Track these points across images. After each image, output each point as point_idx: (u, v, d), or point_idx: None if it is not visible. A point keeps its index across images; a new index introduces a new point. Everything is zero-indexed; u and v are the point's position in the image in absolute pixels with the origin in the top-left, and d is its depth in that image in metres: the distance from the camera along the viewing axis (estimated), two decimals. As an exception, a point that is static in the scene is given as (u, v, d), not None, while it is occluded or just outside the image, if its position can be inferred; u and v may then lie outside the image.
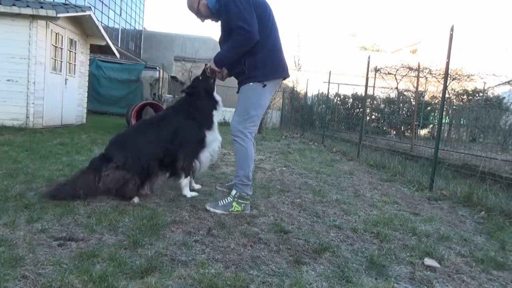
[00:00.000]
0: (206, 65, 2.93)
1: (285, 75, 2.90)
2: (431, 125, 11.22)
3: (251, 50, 2.63)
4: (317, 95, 14.33)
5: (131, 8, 22.55)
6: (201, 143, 2.95)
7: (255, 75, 2.70)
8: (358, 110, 13.25)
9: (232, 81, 3.09)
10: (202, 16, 2.87)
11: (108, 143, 2.90)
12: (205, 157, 3.02)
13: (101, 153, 2.86)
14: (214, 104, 3.06)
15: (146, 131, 2.91)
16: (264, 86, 2.73)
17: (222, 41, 2.81)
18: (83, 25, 9.06)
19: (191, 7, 2.85)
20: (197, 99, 3.00)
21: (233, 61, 2.73)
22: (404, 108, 11.32)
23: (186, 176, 2.94)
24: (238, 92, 2.90)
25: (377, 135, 10.02)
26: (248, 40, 2.56)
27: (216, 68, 2.80)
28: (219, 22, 2.86)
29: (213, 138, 3.03)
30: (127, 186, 2.67)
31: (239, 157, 2.77)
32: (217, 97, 3.09)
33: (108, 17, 19.01)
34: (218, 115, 3.10)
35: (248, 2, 2.57)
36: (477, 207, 3.37)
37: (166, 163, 2.87)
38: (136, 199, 2.74)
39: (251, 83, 2.72)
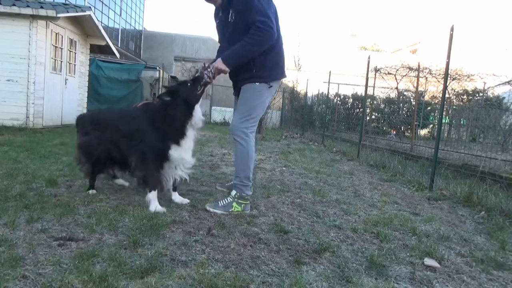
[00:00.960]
0: (205, 65, 2.61)
1: (285, 75, 2.92)
2: (431, 125, 11.22)
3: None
4: (317, 95, 14.33)
5: (131, 8, 22.54)
6: (161, 155, 2.55)
7: (262, 75, 2.66)
8: (358, 110, 13.25)
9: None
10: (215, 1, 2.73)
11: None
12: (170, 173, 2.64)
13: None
14: (188, 119, 2.58)
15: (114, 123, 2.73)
16: (270, 87, 2.72)
17: (226, 39, 2.71)
18: (83, 25, 9.07)
19: None
20: (173, 107, 2.54)
21: (247, 59, 2.56)
22: (404, 108, 11.32)
23: (150, 189, 2.58)
24: (235, 91, 2.88)
25: (377, 135, 10.02)
26: (269, 36, 2.45)
27: (226, 68, 2.55)
28: (219, 23, 2.85)
29: (179, 155, 2.59)
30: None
31: (240, 157, 2.75)
32: (197, 113, 2.62)
33: (108, 17, 19.01)
34: (193, 135, 2.65)
35: (268, 1, 2.53)
36: (477, 207, 3.37)
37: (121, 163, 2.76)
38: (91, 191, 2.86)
39: (257, 83, 2.68)
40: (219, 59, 2.57)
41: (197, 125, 2.65)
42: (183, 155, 2.60)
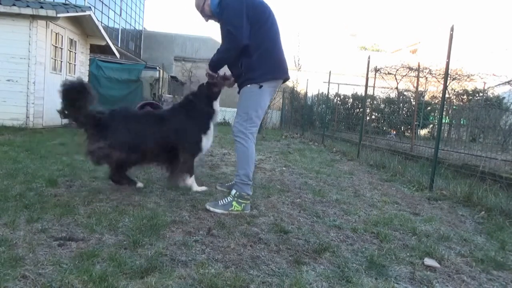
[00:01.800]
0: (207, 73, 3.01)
1: (284, 76, 2.90)
2: (431, 125, 11.22)
3: (247, 52, 2.67)
4: (317, 95, 14.32)
5: (131, 8, 22.53)
6: (199, 147, 3.06)
7: (251, 77, 2.74)
8: (358, 110, 13.25)
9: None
10: (206, 15, 2.95)
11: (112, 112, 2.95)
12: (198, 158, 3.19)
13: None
14: (211, 112, 3.12)
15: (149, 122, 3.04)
16: (261, 87, 2.74)
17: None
18: (83, 25, 9.07)
19: (197, 5, 2.94)
20: (198, 105, 3.09)
21: (225, 64, 2.83)
22: (404, 108, 11.32)
23: (191, 175, 3.10)
24: (238, 93, 2.92)
25: (377, 135, 10.01)
26: (233, 44, 2.63)
27: (211, 72, 2.90)
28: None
29: (206, 144, 3.11)
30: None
31: (240, 156, 2.79)
32: (216, 107, 3.15)
33: (108, 17, 19.00)
34: (214, 125, 3.17)
35: (240, 9, 2.62)
36: (477, 207, 3.37)
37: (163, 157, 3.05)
38: (139, 184, 3.11)
39: (248, 85, 2.76)
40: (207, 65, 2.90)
41: (216, 116, 3.18)
42: (209, 144, 3.14)
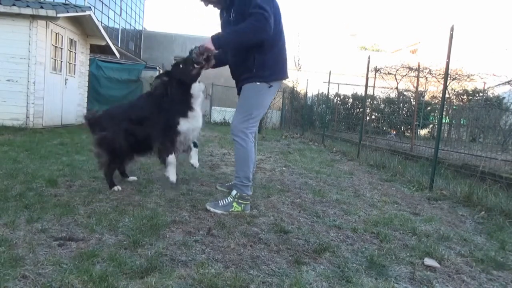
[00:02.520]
0: (195, 48, 2.68)
1: (286, 76, 2.89)
2: (431, 125, 11.22)
3: (262, 48, 2.56)
4: (317, 95, 14.32)
5: (131, 8, 22.53)
6: (173, 130, 2.85)
7: (262, 74, 2.65)
8: (358, 110, 13.25)
9: (232, 82, 2.97)
10: (215, 1, 2.76)
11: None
12: (179, 142, 2.95)
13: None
14: (187, 95, 2.84)
15: (127, 111, 3.05)
16: (270, 87, 2.70)
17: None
18: (83, 25, 9.07)
19: None
20: (171, 88, 2.83)
21: (237, 46, 2.60)
22: (404, 108, 11.32)
23: (167, 155, 2.88)
24: (239, 91, 2.88)
25: (377, 135, 10.01)
26: (265, 29, 2.40)
27: (212, 47, 2.53)
28: (222, 22, 2.85)
29: (190, 126, 2.90)
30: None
31: (239, 157, 2.75)
32: (196, 88, 2.85)
33: (108, 17, 19.00)
34: (199, 104, 2.93)
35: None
36: (477, 207, 3.37)
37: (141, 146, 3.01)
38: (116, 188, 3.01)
39: (257, 83, 2.67)
40: (209, 38, 2.56)
41: (198, 97, 2.89)
42: (193, 125, 2.91)
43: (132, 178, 3.41)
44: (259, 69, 2.63)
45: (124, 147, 2.98)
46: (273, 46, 2.63)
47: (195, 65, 2.74)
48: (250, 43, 2.53)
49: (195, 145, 3.12)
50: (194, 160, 3.11)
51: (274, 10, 2.56)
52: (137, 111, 3.00)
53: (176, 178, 2.95)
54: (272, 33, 2.52)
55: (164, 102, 2.85)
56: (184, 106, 2.84)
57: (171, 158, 2.88)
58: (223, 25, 2.83)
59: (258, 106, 2.73)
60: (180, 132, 2.86)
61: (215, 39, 2.53)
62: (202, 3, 2.80)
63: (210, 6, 2.82)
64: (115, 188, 3.00)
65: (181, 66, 2.80)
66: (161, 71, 14.97)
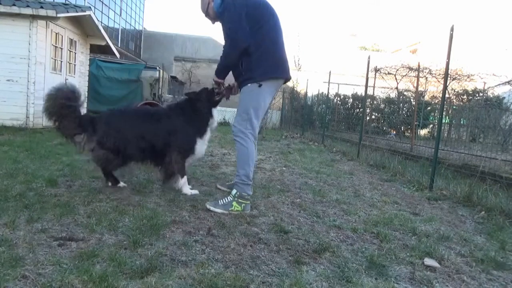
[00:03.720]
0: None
1: (284, 75, 2.89)
2: (431, 125, 11.22)
3: (246, 52, 2.68)
4: (317, 95, 14.32)
5: (131, 8, 22.53)
6: (191, 148, 3.04)
7: (251, 76, 2.74)
8: (358, 110, 13.24)
9: (232, 81, 3.07)
10: (211, 18, 2.97)
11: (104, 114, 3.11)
12: (190, 161, 3.16)
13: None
14: (208, 117, 3.12)
15: (142, 122, 3.08)
16: (260, 86, 2.74)
17: None
18: (83, 25, 9.07)
19: (202, 8, 2.97)
20: (198, 107, 3.09)
21: (229, 68, 2.83)
22: (404, 108, 11.32)
23: (182, 176, 3.05)
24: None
25: (377, 135, 10.01)
26: (233, 44, 2.66)
27: (219, 80, 2.91)
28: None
29: (203, 149, 3.14)
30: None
31: (240, 156, 2.79)
32: (214, 113, 3.15)
33: (108, 17, 19.00)
34: (210, 131, 3.17)
35: (239, 12, 2.64)
36: (477, 207, 3.37)
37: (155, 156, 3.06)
38: (121, 184, 3.10)
39: (248, 84, 2.77)
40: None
41: (213, 124, 3.16)
42: (204, 148, 3.14)
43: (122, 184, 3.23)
44: (247, 71, 2.76)
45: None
46: (258, 48, 2.71)
47: (217, 95, 3.09)
48: (234, 61, 2.74)
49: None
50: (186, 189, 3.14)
51: (255, 12, 2.69)
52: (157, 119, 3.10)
53: (195, 191, 3.11)
54: (253, 36, 2.66)
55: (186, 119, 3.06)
56: (203, 128, 3.09)
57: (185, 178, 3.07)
58: None
59: (254, 106, 2.78)
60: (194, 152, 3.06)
61: (215, 71, 2.90)
62: (210, 21, 3.03)
63: (216, 23, 3.00)
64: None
65: (208, 90, 3.12)
66: (161, 71, 14.97)
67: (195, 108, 3.08)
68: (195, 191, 3.10)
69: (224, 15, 2.71)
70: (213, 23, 3.02)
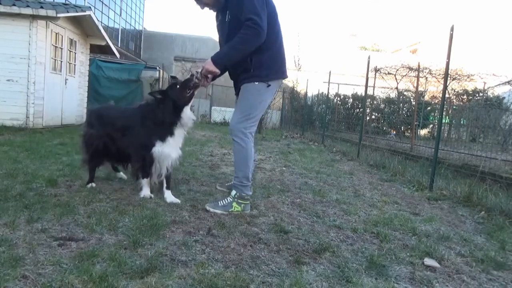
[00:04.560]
0: (196, 73, 2.64)
1: (285, 75, 2.89)
2: (431, 125, 11.21)
3: (259, 48, 2.54)
4: (317, 95, 14.32)
5: (131, 8, 22.52)
6: (146, 150, 2.78)
7: (260, 74, 2.65)
8: (358, 110, 13.24)
9: (231, 81, 2.97)
10: (202, 3, 2.73)
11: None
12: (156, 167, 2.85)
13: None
14: (176, 119, 2.74)
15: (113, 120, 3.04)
16: (268, 86, 2.70)
17: (225, 39, 2.69)
18: (83, 25, 9.07)
19: None
20: (161, 108, 2.73)
21: (239, 58, 2.57)
22: (404, 108, 11.32)
23: (142, 177, 2.88)
24: (236, 91, 2.88)
25: (377, 135, 10.01)
26: (258, 35, 2.44)
27: (215, 69, 2.55)
28: (218, 24, 2.84)
29: (165, 152, 2.78)
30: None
31: (239, 157, 2.75)
32: (187, 113, 2.77)
33: (108, 17, 18.99)
34: (182, 133, 2.86)
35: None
36: (477, 207, 3.37)
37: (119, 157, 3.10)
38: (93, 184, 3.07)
39: (256, 83, 2.67)
40: (209, 60, 2.56)
41: (186, 125, 2.82)
42: (167, 151, 2.79)
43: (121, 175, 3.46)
44: (257, 69, 2.64)
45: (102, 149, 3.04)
46: (270, 47, 2.63)
47: (189, 89, 2.69)
48: (248, 52, 2.54)
49: (167, 184, 2.88)
50: (166, 194, 2.86)
51: (269, 9, 2.57)
52: (123, 119, 3.01)
53: (147, 194, 2.87)
54: (269, 34, 2.53)
55: (148, 119, 2.79)
56: (165, 130, 2.77)
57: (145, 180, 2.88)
58: (219, 27, 2.82)
59: (257, 106, 2.72)
60: (153, 156, 2.78)
61: (217, 60, 2.54)
62: (198, 6, 2.78)
63: (206, 8, 2.80)
64: (91, 184, 3.08)
65: (178, 87, 2.72)
66: (161, 71, 14.95)
67: (157, 111, 2.74)
68: (148, 194, 2.85)
69: (242, 1, 2.45)
70: (202, 8, 2.77)
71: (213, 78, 2.75)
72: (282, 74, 2.83)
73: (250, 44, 2.49)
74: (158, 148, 2.77)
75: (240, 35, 2.46)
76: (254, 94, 2.69)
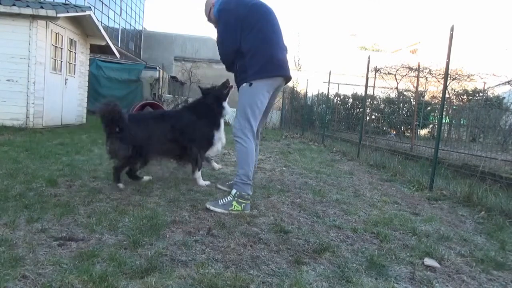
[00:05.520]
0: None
1: (281, 73, 2.88)
2: (431, 125, 11.21)
3: (240, 55, 2.83)
4: (317, 95, 14.32)
5: (131, 8, 22.53)
6: (209, 140, 3.47)
7: (244, 76, 2.85)
8: (358, 110, 13.24)
9: (232, 81, 3.29)
10: (213, 22, 3.07)
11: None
12: (213, 151, 3.60)
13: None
14: (221, 110, 3.53)
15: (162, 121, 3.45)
16: (251, 85, 2.79)
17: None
18: (83, 25, 9.06)
19: (205, 13, 3.12)
20: (209, 103, 3.50)
21: (228, 67, 3.05)
22: (404, 108, 11.32)
23: (199, 169, 3.47)
24: None
25: (377, 135, 10.01)
26: (221, 52, 2.94)
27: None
28: None
29: (218, 137, 3.51)
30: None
31: (240, 156, 2.81)
32: (226, 105, 3.57)
33: (108, 17, 19.00)
34: (223, 122, 3.57)
35: (228, 16, 2.82)
36: (477, 207, 3.37)
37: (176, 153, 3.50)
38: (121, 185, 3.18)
39: (243, 85, 2.86)
40: None
41: (227, 113, 3.59)
42: (222, 135, 3.55)
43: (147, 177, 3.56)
44: (241, 73, 2.88)
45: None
46: (249, 50, 2.81)
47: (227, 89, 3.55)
48: (226, 62, 3.01)
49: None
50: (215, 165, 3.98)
51: (250, 19, 2.80)
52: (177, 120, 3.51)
53: (207, 182, 3.52)
54: (244, 40, 2.79)
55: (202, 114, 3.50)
56: (217, 120, 3.52)
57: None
58: None
59: (250, 105, 2.81)
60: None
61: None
62: (213, 25, 3.10)
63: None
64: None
65: (217, 87, 3.59)
66: (161, 71, 14.95)
67: (209, 106, 3.52)
68: (207, 182, 3.51)
69: (218, 23, 2.90)
70: (216, 27, 3.10)
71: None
72: (269, 72, 2.83)
73: (221, 57, 3.02)
74: (217, 135, 3.49)
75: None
76: (243, 95, 2.87)
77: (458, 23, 4.32)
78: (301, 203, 3.08)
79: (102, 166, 3.95)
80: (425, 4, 59.79)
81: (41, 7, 6.96)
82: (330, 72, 9.95)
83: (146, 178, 3.47)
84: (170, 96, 14.74)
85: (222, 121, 3.55)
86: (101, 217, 2.28)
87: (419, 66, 8.84)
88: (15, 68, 7.12)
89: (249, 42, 2.80)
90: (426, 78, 10.02)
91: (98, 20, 9.45)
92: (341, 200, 3.29)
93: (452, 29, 4.05)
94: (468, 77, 9.82)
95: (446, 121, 8.95)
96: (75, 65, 9.12)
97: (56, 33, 8.05)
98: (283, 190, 3.53)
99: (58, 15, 7.12)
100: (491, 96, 10.94)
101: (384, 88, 11.53)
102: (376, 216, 2.86)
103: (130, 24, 22.33)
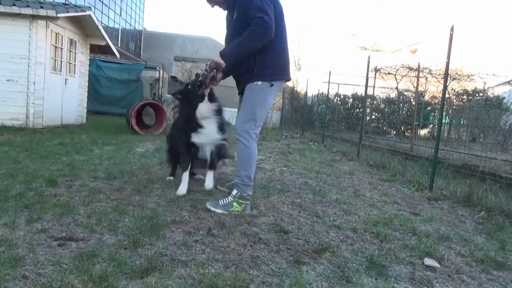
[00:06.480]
0: (204, 70, 2.78)
1: (289, 77, 2.90)
2: (431, 125, 11.22)
3: (263, 48, 2.58)
4: (317, 95, 14.32)
5: (131, 8, 22.53)
6: (187, 143, 3.04)
7: (263, 74, 2.66)
8: (358, 110, 13.25)
9: (233, 81, 3.00)
10: (213, 1, 2.81)
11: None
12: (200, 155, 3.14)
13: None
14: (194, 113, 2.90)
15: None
16: (271, 85, 2.70)
17: (230, 37, 2.76)
18: (83, 25, 9.06)
19: None
20: (181, 108, 3.15)
21: (246, 55, 2.61)
22: (404, 108, 11.32)
23: (184, 171, 3.17)
24: (240, 92, 2.88)
25: (377, 135, 10.01)
26: (266, 33, 2.47)
27: (222, 62, 2.58)
28: (227, 22, 2.87)
29: (201, 138, 2.99)
30: None
31: (242, 157, 2.75)
32: (201, 108, 2.89)
33: (108, 17, 19.00)
34: (212, 122, 2.97)
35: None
36: (477, 207, 3.37)
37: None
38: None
39: (259, 82, 2.68)
40: (218, 54, 2.61)
41: (205, 117, 2.93)
42: (205, 137, 2.98)
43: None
44: (260, 69, 2.66)
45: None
46: (274, 47, 2.64)
47: (200, 87, 2.86)
48: (256, 49, 2.58)
49: (212, 166, 3.17)
50: (207, 181, 3.14)
51: (277, 10, 2.60)
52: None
53: (183, 192, 3.06)
54: (275, 34, 2.55)
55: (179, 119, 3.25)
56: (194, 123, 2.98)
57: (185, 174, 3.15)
58: (227, 25, 2.88)
59: (261, 105, 2.72)
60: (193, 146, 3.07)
61: (224, 53, 2.60)
62: (209, 4, 2.85)
63: (216, 7, 2.86)
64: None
65: (189, 87, 2.95)
66: (161, 71, 14.94)
67: (180, 111, 3.22)
68: (183, 191, 3.08)
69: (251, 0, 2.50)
70: (212, 6, 2.85)
71: (223, 77, 2.88)
72: (286, 75, 2.83)
73: (257, 41, 2.53)
74: (195, 138, 3.00)
75: (248, 32, 2.50)
76: (257, 94, 2.69)
77: (458, 23, 4.32)
78: (301, 203, 3.08)
79: (102, 166, 3.95)
80: (425, 4, 59.78)
81: (41, 7, 6.96)
82: (330, 72, 9.95)
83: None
84: (170, 96, 14.73)
85: (204, 122, 2.96)
86: (101, 217, 2.28)
87: (419, 66, 8.84)
88: (15, 68, 7.11)
89: (277, 35, 2.57)
90: (426, 78, 10.03)
91: (98, 20, 9.45)
92: (341, 200, 3.29)
93: (452, 29, 4.05)
94: (468, 77, 9.82)
95: (446, 121, 8.95)
96: (75, 65, 9.11)
97: (56, 33, 8.05)
98: (283, 190, 3.53)
99: (58, 15, 7.11)
100: (491, 96, 10.94)
101: (384, 88, 11.54)
102: (376, 216, 2.86)
103: (130, 24, 22.33)
